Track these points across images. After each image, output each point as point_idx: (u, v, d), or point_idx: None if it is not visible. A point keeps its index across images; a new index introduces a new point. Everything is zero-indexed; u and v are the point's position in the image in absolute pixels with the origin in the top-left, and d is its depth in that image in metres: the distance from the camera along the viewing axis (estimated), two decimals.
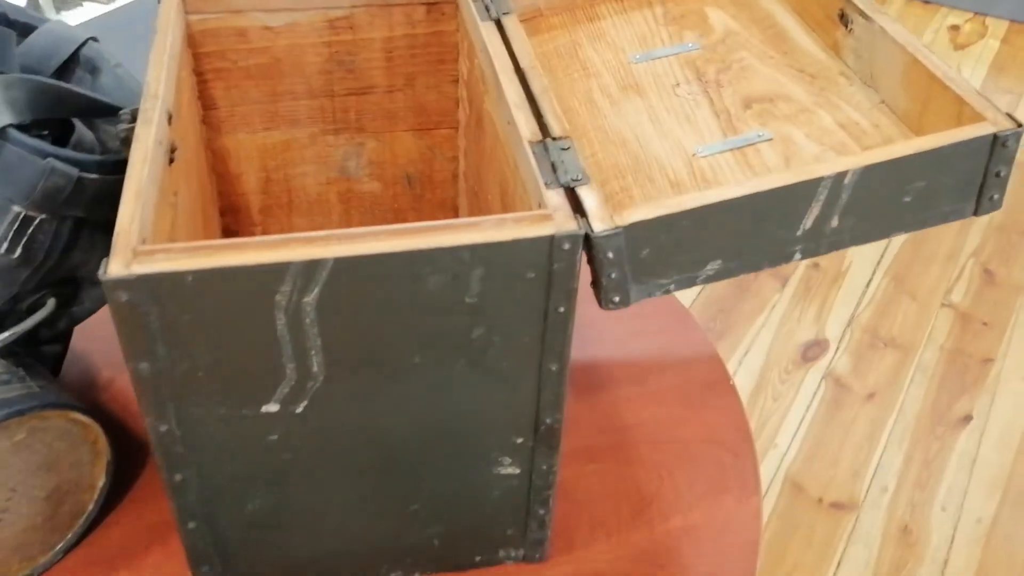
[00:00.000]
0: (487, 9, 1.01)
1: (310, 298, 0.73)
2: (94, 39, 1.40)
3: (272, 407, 0.79)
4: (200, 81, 1.09)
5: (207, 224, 1.06)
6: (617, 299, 0.78)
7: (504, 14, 1.01)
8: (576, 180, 0.79)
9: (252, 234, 1.21)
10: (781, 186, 0.75)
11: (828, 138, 0.88)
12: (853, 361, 2.45)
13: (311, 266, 0.71)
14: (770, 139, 0.89)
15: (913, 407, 2.35)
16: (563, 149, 0.82)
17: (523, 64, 0.93)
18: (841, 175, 0.75)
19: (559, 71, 1.03)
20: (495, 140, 0.96)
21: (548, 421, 0.86)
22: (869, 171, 0.75)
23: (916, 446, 2.26)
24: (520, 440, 0.87)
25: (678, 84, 0.98)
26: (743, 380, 2.42)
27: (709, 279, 0.79)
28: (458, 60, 1.12)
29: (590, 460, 1.06)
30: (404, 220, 1.23)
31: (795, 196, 0.76)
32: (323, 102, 1.13)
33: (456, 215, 1.24)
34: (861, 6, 0.92)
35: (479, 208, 1.11)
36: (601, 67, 1.02)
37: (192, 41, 1.06)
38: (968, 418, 2.33)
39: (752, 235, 0.77)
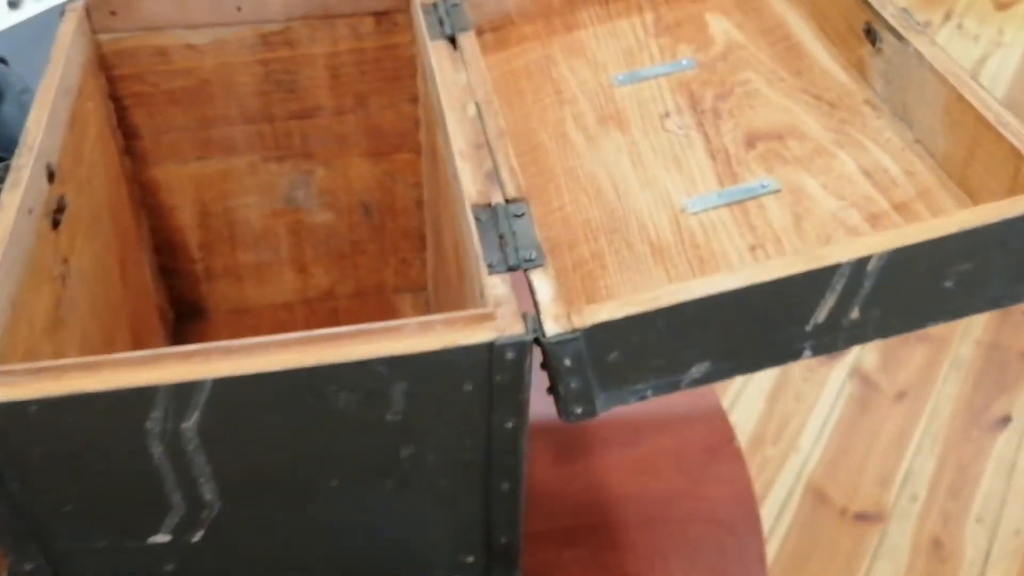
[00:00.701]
0: (440, 23, 0.83)
1: (189, 424, 0.57)
2: (1, 60, 1.23)
3: (162, 538, 0.64)
4: (119, 108, 0.93)
5: (127, 276, 0.90)
6: (580, 410, 0.61)
7: (461, 30, 0.83)
8: (529, 261, 0.62)
9: (192, 273, 1.05)
10: (785, 276, 0.58)
11: (849, 190, 0.71)
12: (882, 357, 2.26)
13: (185, 390, 0.55)
14: (777, 191, 0.72)
15: (946, 407, 2.16)
16: (516, 216, 0.65)
17: (478, 98, 0.76)
18: (863, 261, 0.58)
19: (528, 95, 0.86)
20: (448, 184, 0.79)
21: (504, 540, 0.70)
22: (900, 254, 0.58)
23: (949, 450, 2.08)
24: (471, 559, 0.71)
25: (667, 114, 0.80)
26: (763, 377, 2.25)
27: (696, 383, 0.62)
28: (416, 77, 0.95)
29: (569, 544, 0.89)
30: (364, 253, 1.07)
31: (804, 287, 0.59)
32: (262, 127, 0.96)
33: (423, 246, 1.07)
34: (892, 22, 0.73)
35: (438, 255, 0.94)
36: (577, 91, 0.84)
37: (104, 63, 0.89)
38: (1007, 419, 2.14)
39: (749, 333, 0.61)
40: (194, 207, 1.00)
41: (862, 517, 1.98)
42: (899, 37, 0.72)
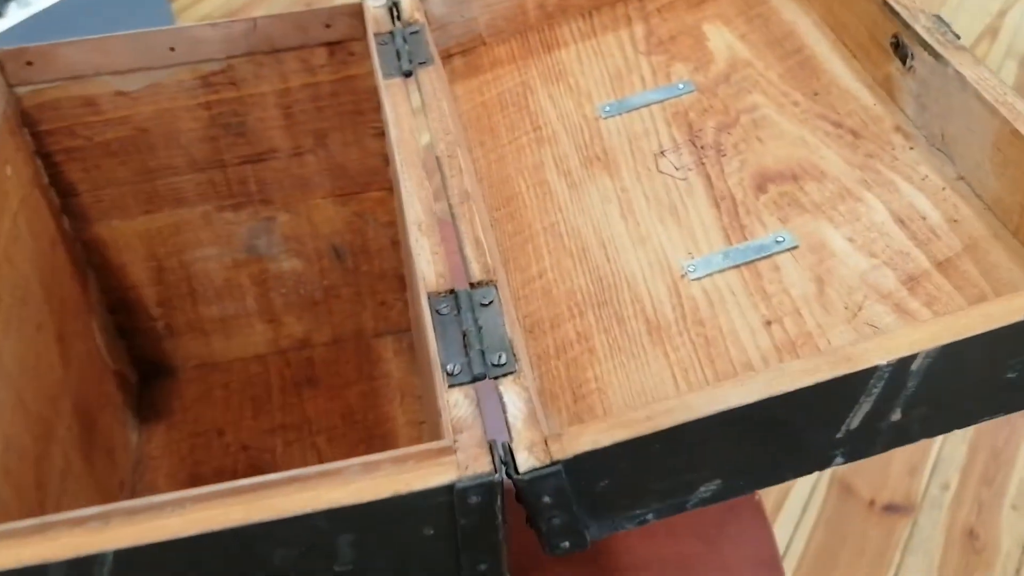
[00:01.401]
0: (397, 56, 0.71)
1: None
2: None
3: None
4: (49, 165, 0.81)
5: (68, 352, 0.79)
6: (567, 544, 0.50)
7: (421, 64, 0.71)
8: (498, 366, 0.50)
9: (153, 331, 0.95)
10: (810, 385, 0.46)
11: (881, 244, 0.58)
12: None
13: (81, 566, 0.45)
14: (794, 247, 0.60)
15: None
16: (483, 305, 0.54)
17: (439, 151, 0.64)
18: (906, 361, 0.46)
19: (503, 132, 0.74)
20: (409, 254, 0.68)
21: None
22: (952, 350, 0.46)
23: (982, 435, 1.96)
24: None
25: (662, 152, 0.68)
26: None
27: (706, 502, 0.51)
28: (379, 109, 0.83)
29: None
30: (338, 298, 0.96)
31: (833, 394, 0.47)
32: (213, 175, 0.85)
33: (403, 286, 0.96)
34: (925, 36, 0.61)
35: (416, 310, 0.83)
36: (559, 126, 0.72)
37: (27, 119, 0.78)
38: None
39: (767, 448, 0.49)
40: (147, 263, 0.89)
41: (891, 508, 1.86)
42: (935, 55, 0.60)
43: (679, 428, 0.45)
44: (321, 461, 0.90)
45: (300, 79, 0.80)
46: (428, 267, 0.55)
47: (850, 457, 0.50)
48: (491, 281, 0.55)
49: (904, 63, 0.63)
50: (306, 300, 0.95)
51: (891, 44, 0.64)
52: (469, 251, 0.56)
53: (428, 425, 0.92)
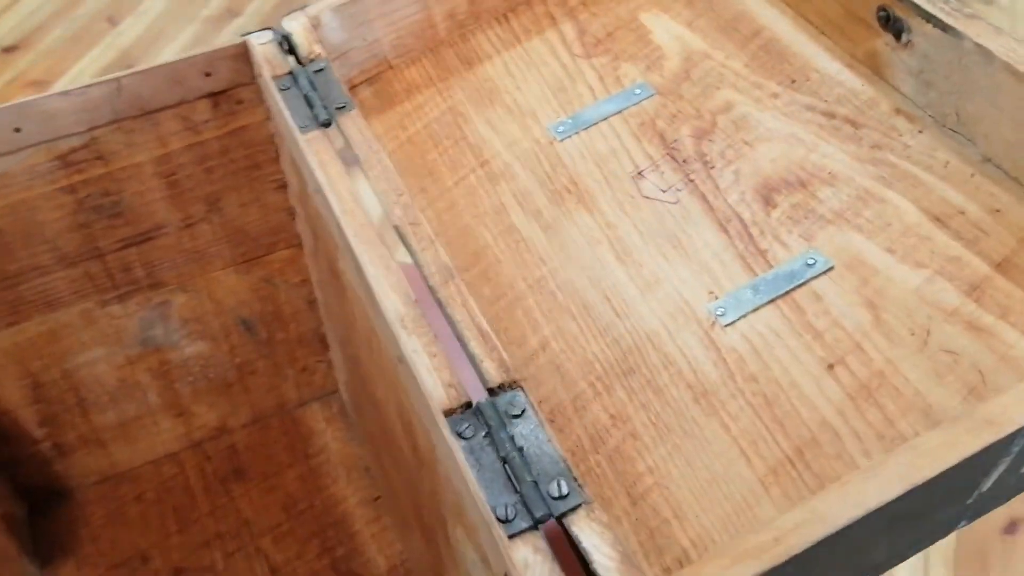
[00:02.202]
0: (308, 103, 0.58)
1: None
2: None
3: None
4: None
5: None
6: None
7: (339, 109, 0.58)
8: (561, 498, 0.40)
9: (38, 454, 0.78)
10: (940, 473, 0.38)
11: (926, 250, 0.51)
12: None
13: None
14: (830, 268, 0.52)
15: None
16: (514, 416, 0.43)
17: (396, 218, 0.52)
18: None
19: (444, 172, 0.62)
20: (373, 336, 0.55)
21: None
22: None
23: None
24: None
25: (640, 173, 0.58)
26: None
27: None
28: (279, 160, 0.70)
29: None
30: (253, 374, 0.82)
31: (973, 464, 0.39)
32: (89, 267, 0.69)
33: (326, 349, 0.83)
34: (927, 7, 0.53)
35: (349, 354, 0.70)
36: (510, 156, 0.61)
37: None
38: None
39: (891, 537, 0.41)
40: (20, 382, 0.73)
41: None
42: (943, 26, 0.52)
43: (815, 545, 0.36)
44: (272, 568, 0.77)
45: (181, 140, 0.65)
46: (431, 377, 0.44)
47: (974, 518, 0.43)
48: (515, 383, 0.44)
49: (898, 38, 0.55)
50: (217, 384, 0.81)
51: (880, 18, 0.56)
52: (476, 347, 0.45)
53: (385, 499, 0.80)
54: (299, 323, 0.80)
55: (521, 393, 0.43)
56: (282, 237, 0.74)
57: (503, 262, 0.56)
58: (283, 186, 0.71)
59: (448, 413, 0.42)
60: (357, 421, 0.83)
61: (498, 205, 0.59)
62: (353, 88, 0.68)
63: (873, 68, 0.58)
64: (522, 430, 0.42)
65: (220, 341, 0.78)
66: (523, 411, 0.42)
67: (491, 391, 0.43)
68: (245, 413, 0.84)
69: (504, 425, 0.42)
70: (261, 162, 0.69)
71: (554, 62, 0.65)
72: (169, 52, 1.35)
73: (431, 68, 0.68)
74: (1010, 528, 0.87)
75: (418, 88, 0.67)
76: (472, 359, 0.44)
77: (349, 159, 0.56)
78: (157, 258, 0.71)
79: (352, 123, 0.57)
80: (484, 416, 0.42)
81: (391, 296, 0.47)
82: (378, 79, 0.68)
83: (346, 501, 0.81)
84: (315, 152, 0.55)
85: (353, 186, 0.53)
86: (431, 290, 0.48)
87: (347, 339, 0.69)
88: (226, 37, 1.35)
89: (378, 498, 0.81)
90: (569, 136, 0.61)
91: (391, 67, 0.68)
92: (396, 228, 0.51)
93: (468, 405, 0.43)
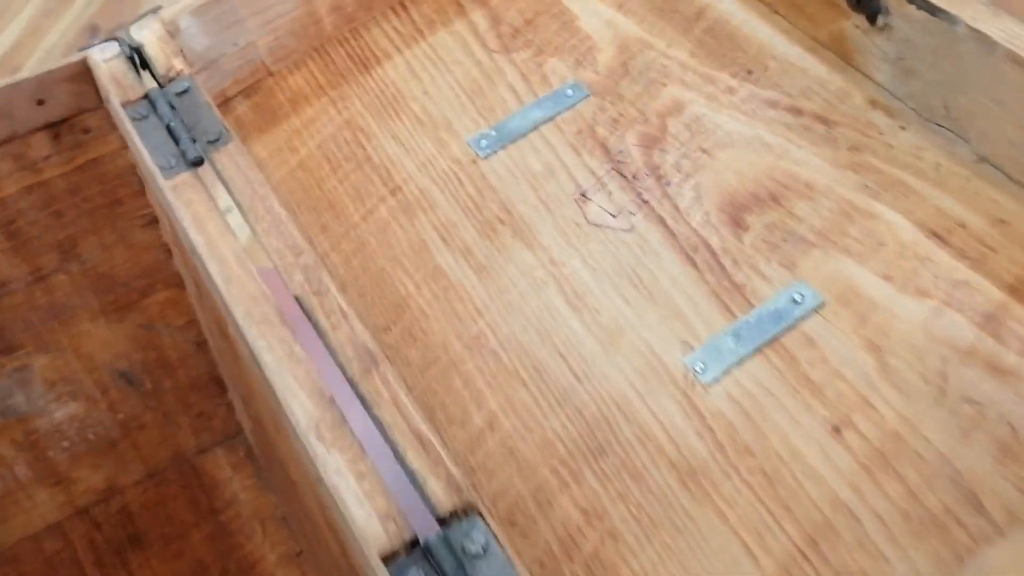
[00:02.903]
0: (172, 135, 0.47)
1: None
2: None
3: None
4: None
5: None
6: None
7: (212, 143, 0.47)
8: None
9: None
10: None
11: (928, 274, 0.43)
12: None
13: None
14: (820, 304, 0.43)
15: None
16: (476, 557, 0.33)
17: (298, 289, 0.42)
18: None
19: (347, 204, 0.51)
20: (281, 426, 0.45)
21: None
22: None
23: None
24: None
25: (583, 194, 0.49)
26: None
27: None
28: (145, 191, 0.58)
29: None
30: (142, 428, 0.70)
31: None
32: None
33: (223, 391, 0.72)
34: None
35: (250, 396, 0.59)
36: (425, 180, 0.51)
37: None
38: None
39: None
40: None
41: None
42: (930, 8, 0.44)
43: None
44: None
45: (18, 183, 0.52)
46: (362, 508, 0.34)
47: None
48: (471, 508, 0.34)
49: (872, 21, 0.47)
50: (100, 444, 0.69)
51: None
52: (417, 461, 0.35)
53: (308, 554, 0.70)
54: (189, 368, 0.69)
55: (480, 522, 0.34)
56: (158, 278, 0.62)
57: (431, 316, 0.46)
58: (153, 221, 0.59)
59: (388, 558, 0.33)
60: (267, 469, 0.72)
61: (418, 243, 0.48)
62: (227, 103, 0.56)
63: (840, 53, 0.50)
64: (487, 569, 0.33)
65: (97, 399, 0.66)
66: (486, 547, 0.33)
67: (442, 521, 0.34)
68: (137, 469, 0.73)
69: (463, 568, 0.33)
70: (122, 197, 0.57)
71: (467, 60, 0.55)
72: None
73: (319, 73, 0.56)
74: None
75: (306, 99, 0.55)
76: (412, 478, 0.35)
77: (229, 208, 0.44)
78: (6, 319, 0.58)
79: (230, 159, 0.46)
80: (436, 559, 0.33)
81: (299, 396, 0.37)
82: (256, 89, 0.56)
83: (264, 560, 0.71)
84: (185, 203, 0.44)
85: (237, 246, 0.42)
86: (350, 382, 0.38)
87: (248, 399, 0.59)
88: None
89: (300, 553, 0.71)
90: (494, 152, 0.51)
91: (271, 74, 0.57)
92: (298, 299, 0.41)
93: (414, 543, 0.33)
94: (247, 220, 0.44)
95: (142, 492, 0.74)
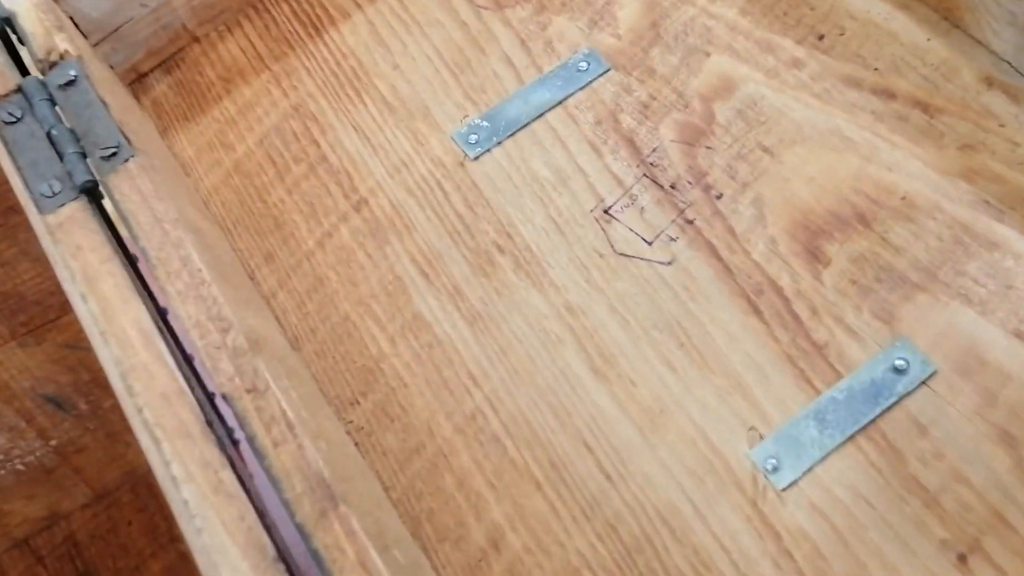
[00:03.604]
0: (56, 152, 0.34)
1: None
2: None
3: None
4: None
5: None
6: None
7: (109, 157, 0.35)
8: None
9: None
10: None
11: None
12: None
13: None
14: (933, 374, 0.32)
15: None
16: None
17: (223, 386, 0.30)
18: None
19: (299, 224, 0.39)
20: None
21: None
22: None
23: None
24: None
25: (607, 209, 0.37)
26: None
27: None
28: None
29: None
30: (82, 451, 0.59)
31: None
32: None
33: None
34: None
35: None
36: (397, 188, 0.39)
37: None
38: None
39: None
40: None
41: None
42: None
43: None
44: None
45: None
46: None
47: None
48: None
49: None
50: (33, 472, 0.59)
51: None
52: None
53: None
54: None
55: None
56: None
57: (412, 386, 0.35)
58: None
59: None
60: None
61: (391, 280, 0.37)
62: (140, 81, 0.43)
63: (943, 11, 0.37)
64: None
65: (22, 428, 0.55)
66: None
67: None
68: (81, 493, 0.63)
69: None
70: (16, 203, 0.45)
71: (448, 21, 0.42)
72: None
73: (258, 39, 0.43)
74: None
75: (242, 75, 0.43)
76: None
77: (133, 258, 0.33)
78: None
79: (131, 184, 0.33)
80: None
81: (229, 554, 0.26)
82: (179, 62, 0.44)
83: None
84: (71, 251, 0.32)
85: (141, 317, 0.31)
86: (298, 529, 0.27)
87: None
88: None
89: None
90: (487, 150, 0.39)
91: (196, 39, 0.44)
92: (225, 400, 0.30)
93: None
94: (156, 276, 0.32)
95: (91, 518, 0.64)
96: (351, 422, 0.35)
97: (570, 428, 0.33)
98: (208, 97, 0.43)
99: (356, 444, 0.34)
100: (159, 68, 0.44)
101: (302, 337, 0.37)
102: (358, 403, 0.35)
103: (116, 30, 0.42)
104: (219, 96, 0.43)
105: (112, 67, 0.43)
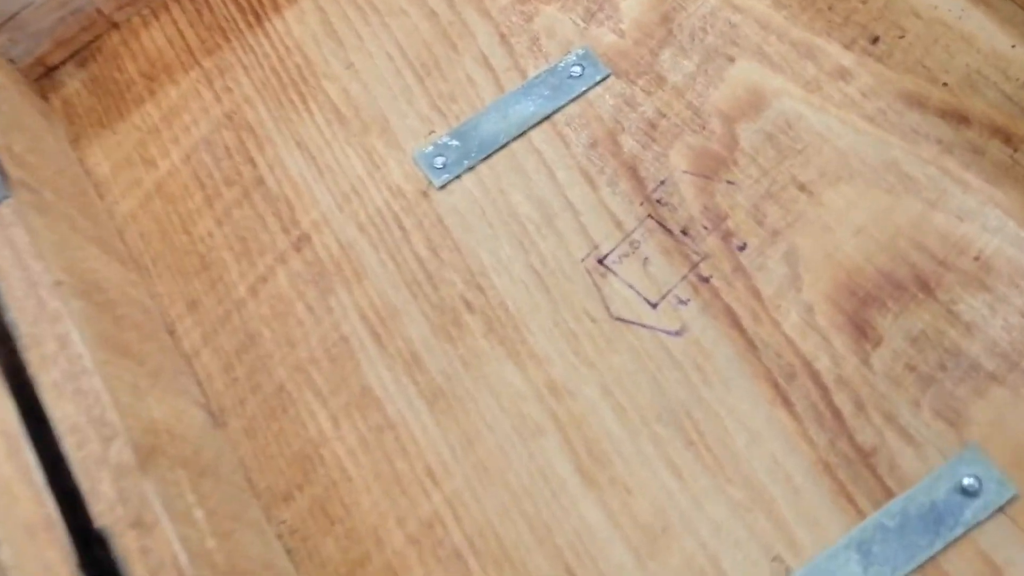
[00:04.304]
0: None
1: None
2: None
3: None
4: None
5: None
6: None
7: None
8: None
9: None
10: None
11: None
12: None
13: None
14: (1012, 497, 0.26)
15: None
16: None
17: (102, 517, 0.24)
18: None
19: (229, 265, 0.32)
20: None
21: None
22: None
23: None
24: None
25: (601, 259, 0.30)
26: None
27: None
28: None
29: None
30: None
31: None
32: None
33: None
34: None
35: None
36: (346, 224, 0.31)
37: None
38: None
39: None
40: None
41: None
42: None
43: None
44: None
45: None
46: None
47: None
48: None
49: None
50: None
51: None
52: None
53: None
54: None
55: None
56: None
57: (357, 480, 0.28)
58: None
59: None
60: None
61: (335, 340, 0.30)
62: (49, 76, 0.36)
63: None
64: None
65: None
66: None
67: None
68: None
69: None
70: None
71: (414, 8, 0.34)
72: None
73: (187, 27, 0.36)
74: None
75: (168, 71, 0.35)
76: None
77: (7, 348, 0.26)
78: None
79: (2, 236, 0.27)
80: None
81: None
82: (94, 53, 0.36)
83: None
84: None
85: (5, 417, 0.24)
86: None
87: None
88: None
89: None
90: (457, 176, 0.31)
91: (115, 26, 0.36)
92: (101, 539, 0.23)
93: None
94: (26, 364, 0.25)
95: None
96: (284, 522, 0.28)
97: (549, 546, 0.26)
98: (127, 98, 0.35)
99: (288, 552, 0.28)
100: (71, 60, 0.36)
101: (228, 410, 0.30)
102: (293, 498, 0.28)
103: (13, 17, 0.34)
104: (141, 97, 0.35)
105: (13, 61, 0.35)
